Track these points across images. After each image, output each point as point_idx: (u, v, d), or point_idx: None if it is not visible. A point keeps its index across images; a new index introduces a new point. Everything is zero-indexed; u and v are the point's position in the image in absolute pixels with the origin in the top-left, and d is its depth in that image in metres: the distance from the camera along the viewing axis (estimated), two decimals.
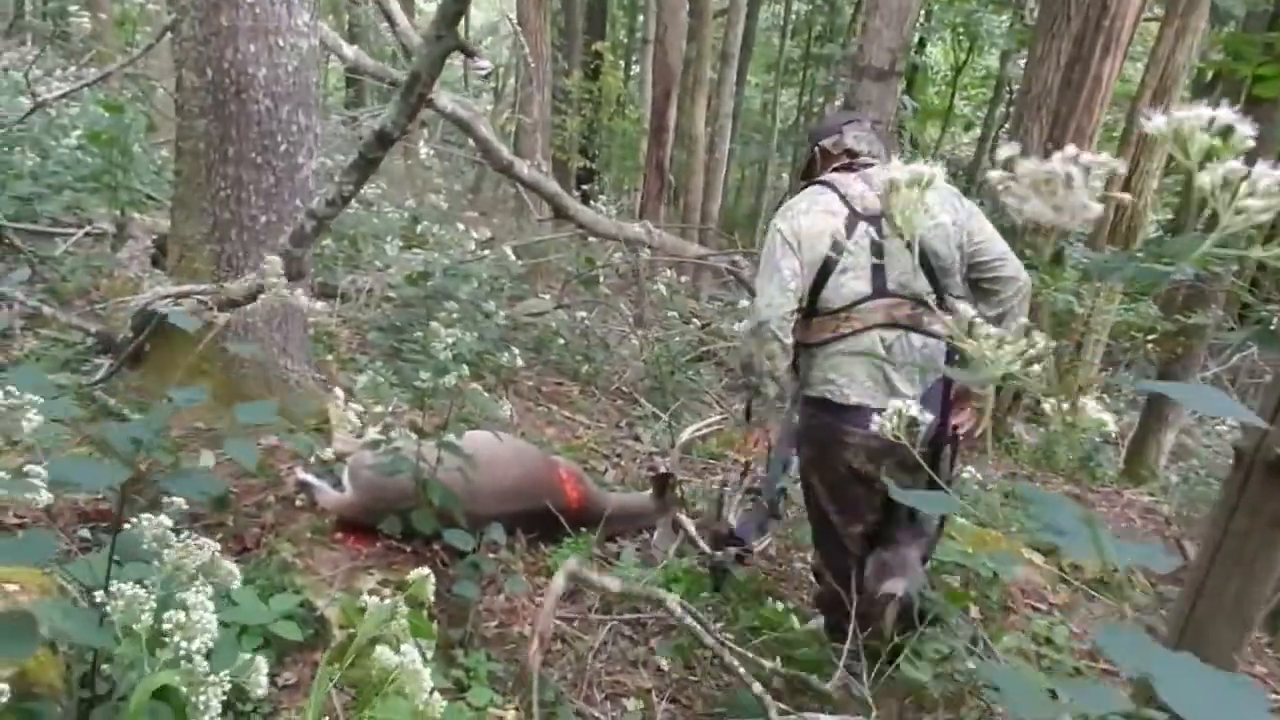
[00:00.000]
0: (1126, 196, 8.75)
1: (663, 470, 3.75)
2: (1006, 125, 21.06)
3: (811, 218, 2.77)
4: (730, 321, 7.18)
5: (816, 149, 3.05)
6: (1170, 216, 14.68)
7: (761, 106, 24.47)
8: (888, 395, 2.66)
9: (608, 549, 3.67)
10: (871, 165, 2.92)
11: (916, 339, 2.73)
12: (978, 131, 22.40)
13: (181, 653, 1.27)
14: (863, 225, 2.74)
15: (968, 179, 21.29)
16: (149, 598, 1.34)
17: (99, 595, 1.34)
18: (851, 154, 2.97)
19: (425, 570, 1.62)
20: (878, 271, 2.72)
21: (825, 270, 2.74)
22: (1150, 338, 8.88)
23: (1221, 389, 11.76)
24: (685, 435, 3.88)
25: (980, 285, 2.76)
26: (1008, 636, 3.91)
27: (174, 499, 1.72)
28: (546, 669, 2.83)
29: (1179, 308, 8.71)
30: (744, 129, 21.23)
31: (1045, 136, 8.70)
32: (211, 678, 1.27)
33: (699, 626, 2.56)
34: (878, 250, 2.73)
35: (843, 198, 2.79)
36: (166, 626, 1.26)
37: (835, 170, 2.94)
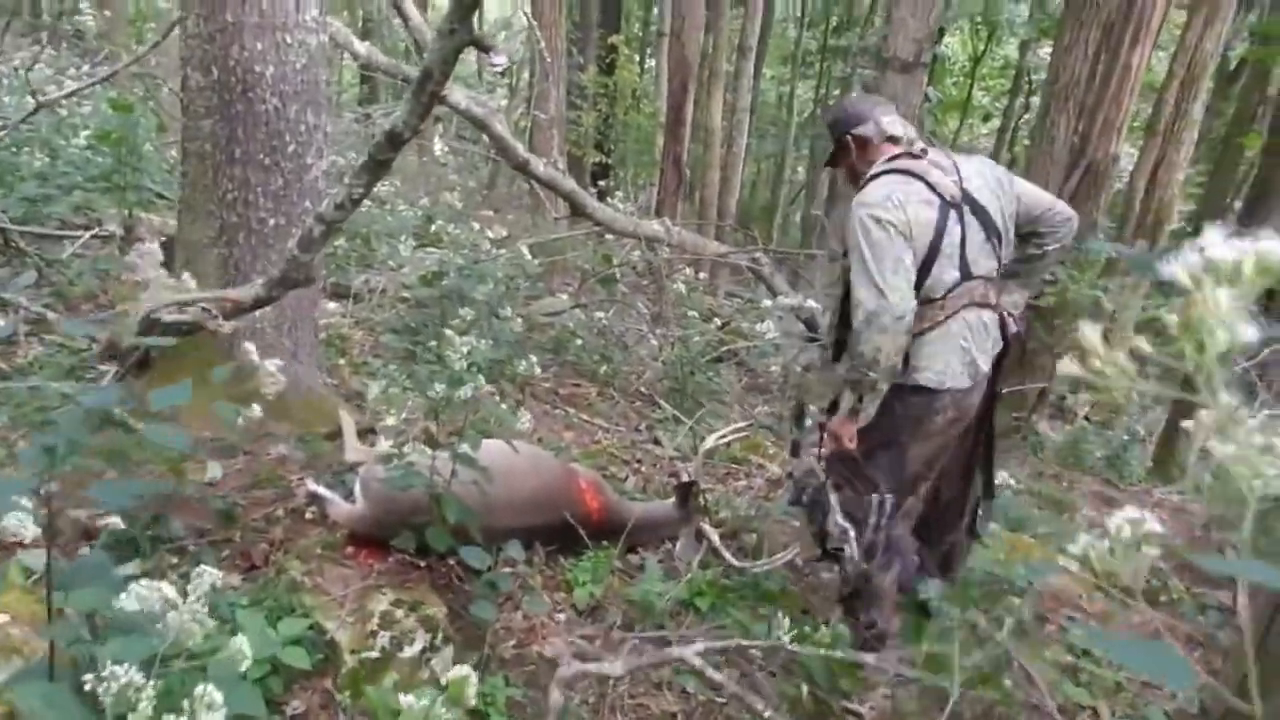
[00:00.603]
0: None
1: (686, 479, 3.61)
2: (1027, 116, 20.81)
3: (915, 208, 2.77)
4: (751, 320, 7.03)
5: (849, 137, 3.02)
6: (1193, 208, 14.42)
7: (777, 99, 24.23)
8: (972, 377, 2.92)
9: (629, 561, 3.53)
10: (927, 151, 2.95)
11: (986, 314, 2.92)
12: (997, 123, 22.13)
13: None
14: (953, 213, 2.81)
15: None
16: (146, 684, 1.21)
17: (87, 679, 1.20)
18: (894, 140, 2.98)
19: (466, 671, 1.46)
20: (963, 257, 2.83)
21: (928, 260, 2.80)
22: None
23: (1249, 384, 11.55)
24: (709, 442, 3.74)
25: (1038, 232, 3.00)
26: (1047, 650, 3.78)
27: (108, 520, 1.58)
28: (567, 692, 2.70)
29: None
30: (760, 122, 21.02)
31: (1073, 128, 8.53)
32: None
33: (719, 676, 2.41)
34: (962, 236, 2.83)
35: (931, 187, 2.81)
36: None
37: (899, 158, 2.92)
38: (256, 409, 2.49)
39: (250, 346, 2.39)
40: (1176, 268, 0.62)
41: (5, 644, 2.03)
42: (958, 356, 2.87)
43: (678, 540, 3.65)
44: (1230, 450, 0.67)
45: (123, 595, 1.34)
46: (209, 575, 1.98)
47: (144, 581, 1.36)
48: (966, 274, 2.83)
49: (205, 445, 3.37)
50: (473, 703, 1.44)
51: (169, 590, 1.36)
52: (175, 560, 2.75)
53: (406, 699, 1.38)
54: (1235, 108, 12.27)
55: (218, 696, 1.17)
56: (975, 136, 24.76)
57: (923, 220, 2.76)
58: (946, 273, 2.80)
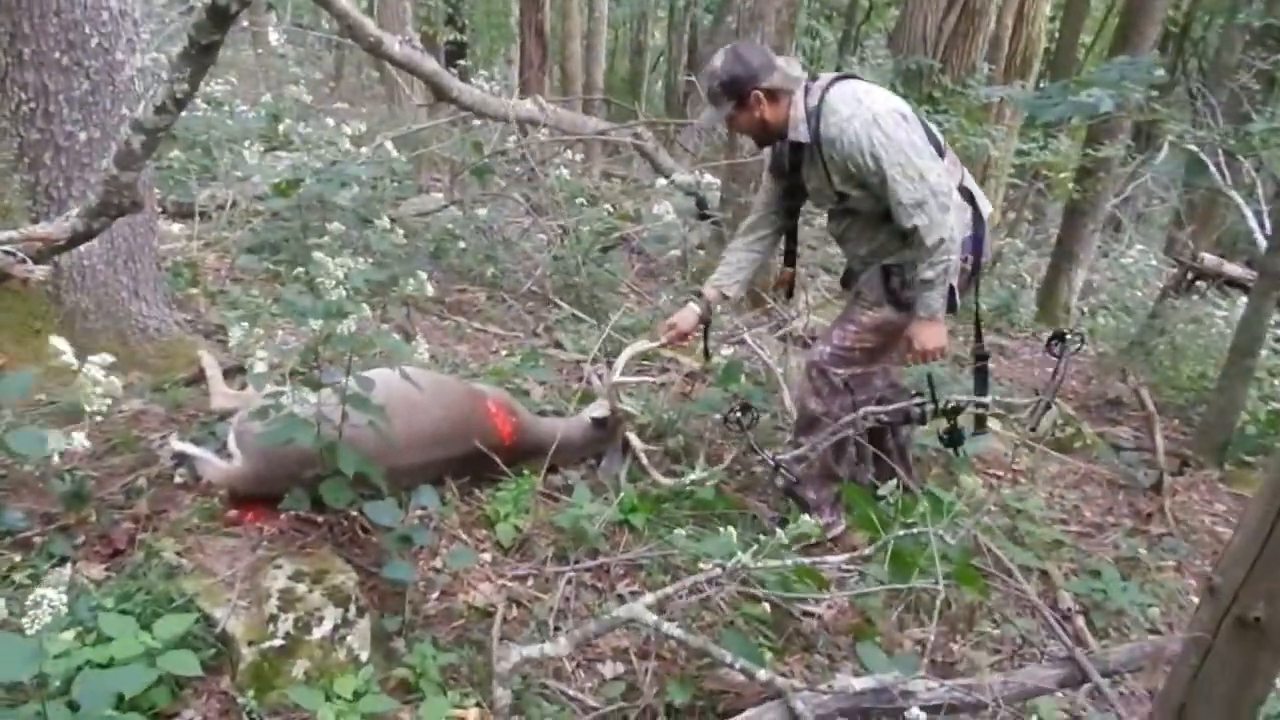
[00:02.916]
0: None
1: (599, 414, 3.29)
2: None
3: (896, 98, 2.90)
4: (637, 202, 6.64)
5: (760, 92, 2.87)
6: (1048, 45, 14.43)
7: None
8: None
9: (550, 482, 3.20)
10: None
11: None
12: None
13: None
14: None
15: (846, 21, 20.69)
16: None
17: None
18: (796, 80, 2.91)
19: None
20: None
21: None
22: (1062, 175, 8.69)
23: (1118, 220, 11.81)
24: (620, 364, 3.34)
25: None
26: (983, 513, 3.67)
27: None
28: (505, 643, 2.40)
29: (1087, 141, 8.50)
30: None
31: None
32: None
33: (679, 632, 2.12)
34: None
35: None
36: None
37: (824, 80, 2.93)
38: (80, 438, 2.03)
39: (62, 344, 1.90)
40: None
41: None
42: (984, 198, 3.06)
43: (601, 457, 3.35)
44: None
45: None
46: (51, 598, 1.59)
47: None
48: None
49: (38, 410, 2.87)
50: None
51: None
52: (18, 558, 2.30)
53: None
54: None
55: None
56: None
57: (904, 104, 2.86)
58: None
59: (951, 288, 2.88)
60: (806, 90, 2.88)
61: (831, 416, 3.03)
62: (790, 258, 3.36)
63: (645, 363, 4.30)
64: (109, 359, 2.00)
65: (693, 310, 3.24)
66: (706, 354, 3.52)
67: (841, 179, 2.86)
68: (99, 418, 2.49)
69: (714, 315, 3.34)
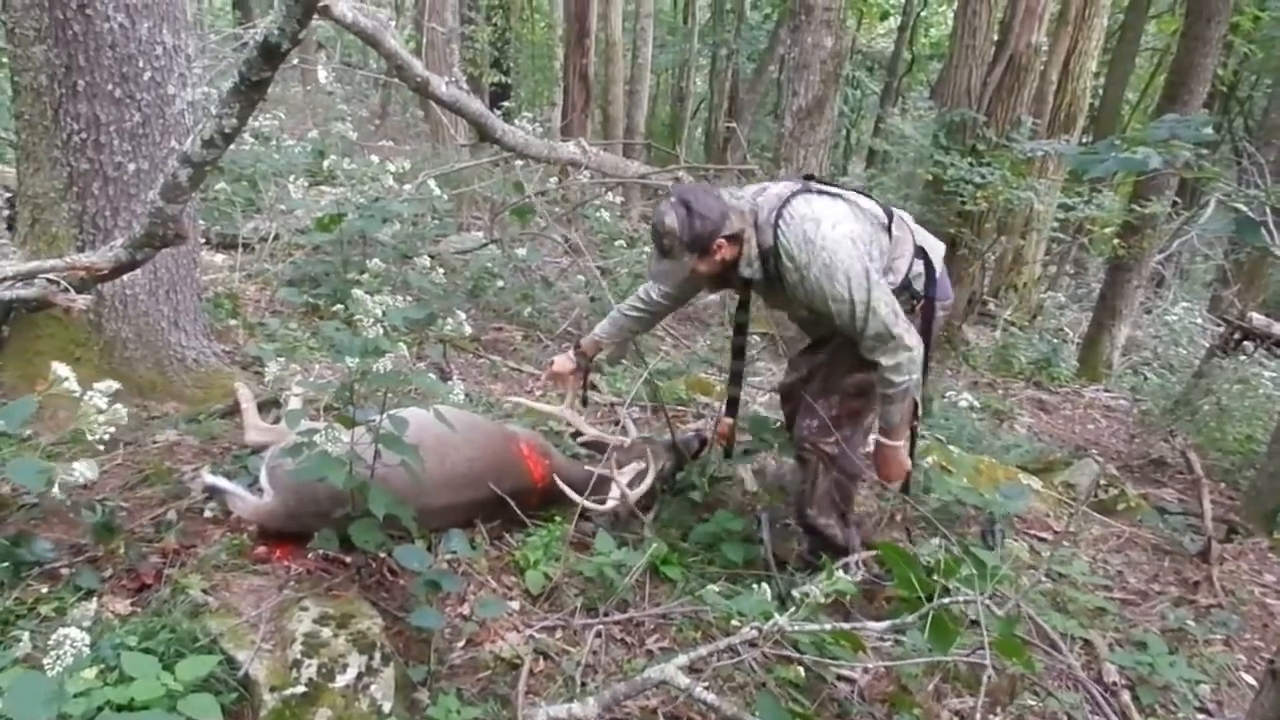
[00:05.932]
0: None
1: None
2: (923, 12, 20.42)
3: (857, 220, 2.77)
4: None
5: (723, 240, 2.73)
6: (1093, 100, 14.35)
7: (672, 3, 23.37)
8: None
9: (584, 528, 3.13)
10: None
11: None
12: (895, 21, 21.66)
13: None
14: None
15: (888, 73, 20.71)
16: None
17: None
18: (749, 214, 2.78)
19: None
20: None
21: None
22: (1106, 230, 8.58)
23: (1161, 276, 11.65)
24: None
25: None
26: (1025, 577, 3.55)
27: None
28: (531, 699, 2.34)
29: (1132, 196, 8.40)
30: (656, 31, 20.17)
31: (993, 19, 8.26)
32: None
33: (712, 697, 2.04)
34: None
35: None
36: None
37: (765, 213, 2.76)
38: (80, 469, 2.01)
39: (63, 370, 1.88)
40: None
41: None
42: None
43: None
44: None
45: None
46: (74, 638, 1.56)
47: None
48: None
49: (73, 440, 2.86)
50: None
51: None
52: (45, 589, 2.28)
53: None
54: None
55: None
56: (872, 37, 24.35)
57: (867, 227, 2.76)
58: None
59: (915, 402, 2.85)
60: (755, 220, 2.75)
61: (834, 508, 3.06)
62: (733, 406, 3.20)
63: (681, 407, 4.26)
64: (114, 385, 1.98)
65: (568, 359, 3.24)
66: (584, 401, 3.52)
67: (805, 309, 2.82)
68: (129, 447, 2.47)
69: (591, 365, 3.33)
